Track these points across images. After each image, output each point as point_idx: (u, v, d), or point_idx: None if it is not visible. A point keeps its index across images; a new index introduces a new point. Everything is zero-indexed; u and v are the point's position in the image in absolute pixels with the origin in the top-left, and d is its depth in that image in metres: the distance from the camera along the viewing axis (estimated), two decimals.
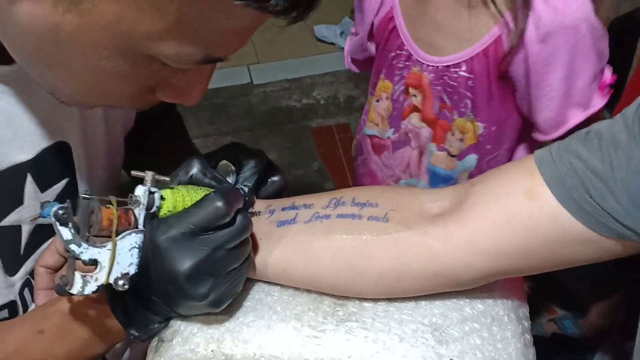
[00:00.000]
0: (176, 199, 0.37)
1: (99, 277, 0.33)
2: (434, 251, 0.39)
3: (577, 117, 0.65)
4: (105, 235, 0.33)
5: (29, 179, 0.45)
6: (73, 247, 0.32)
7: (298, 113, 1.92)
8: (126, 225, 0.34)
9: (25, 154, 0.44)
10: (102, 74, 0.32)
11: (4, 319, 0.47)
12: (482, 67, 0.64)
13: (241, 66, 2.06)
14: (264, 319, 0.41)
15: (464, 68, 0.65)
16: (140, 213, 0.35)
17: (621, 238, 0.35)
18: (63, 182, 0.49)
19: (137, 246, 0.34)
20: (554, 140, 0.68)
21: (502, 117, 0.69)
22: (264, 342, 0.40)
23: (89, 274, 0.33)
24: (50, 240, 0.47)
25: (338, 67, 1.97)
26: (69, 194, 0.49)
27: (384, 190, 0.44)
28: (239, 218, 0.38)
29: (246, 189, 0.44)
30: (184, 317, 0.42)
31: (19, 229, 0.46)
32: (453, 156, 0.73)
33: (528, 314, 0.44)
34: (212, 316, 0.41)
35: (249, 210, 0.44)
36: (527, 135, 0.71)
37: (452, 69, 0.66)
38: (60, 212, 0.32)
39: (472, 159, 0.72)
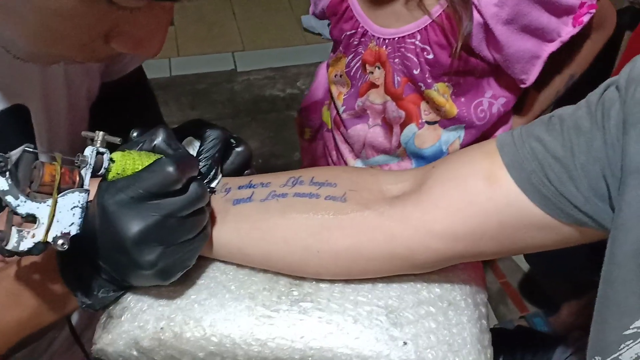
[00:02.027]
0: (126, 162, 0.35)
1: (37, 234, 0.31)
2: (391, 232, 0.38)
3: (550, 47, 0.65)
4: (46, 192, 0.32)
5: None
6: (9, 198, 0.30)
7: (281, 102, 1.90)
8: (70, 183, 0.32)
9: None
10: (45, 13, 0.31)
11: None
12: (438, 37, 0.65)
13: (226, 52, 2.03)
14: (216, 297, 0.40)
15: (418, 38, 0.66)
16: (86, 173, 0.34)
17: (579, 225, 0.35)
18: (21, 149, 0.48)
19: (80, 206, 0.33)
20: (539, 86, 0.68)
21: (467, 72, 0.69)
22: (215, 321, 0.39)
23: (27, 229, 0.31)
24: None
25: (324, 57, 1.95)
26: None
27: (343, 170, 0.44)
28: (192, 186, 0.36)
29: (209, 162, 0.43)
30: (135, 293, 0.41)
31: None
32: (435, 123, 0.72)
33: (486, 300, 0.43)
34: (163, 293, 0.40)
35: (210, 186, 0.43)
36: (502, 76, 0.70)
37: (408, 40, 0.67)
38: None
39: (459, 128, 0.72)
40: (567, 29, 0.65)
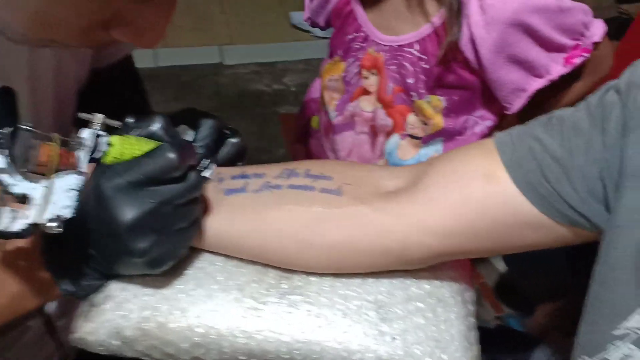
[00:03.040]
0: (124, 146, 0.34)
1: (30, 215, 0.30)
2: (385, 227, 0.38)
3: (538, 83, 0.65)
4: (42, 172, 0.31)
5: None
6: (4, 177, 0.29)
7: (267, 98, 1.89)
8: (67, 165, 0.32)
9: None
10: (50, 0, 0.30)
11: None
12: (435, 48, 0.65)
13: (212, 46, 2.01)
14: (204, 288, 0.39)
15: (416, 47, 0.66)
16: (83, 156, 0.32)
17: (573, 225, 0.35)
18: (5, 131, 0.46)
19: (76, 188, 0.32)
20: (522, 115, 0.68)
21: (462, 86, 0.68)
22: (202, 312, 0.38)
23: (20, 210, 0.30)
24: None
25: (312, 55, 1.96)
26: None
27: (339, 164, 0.43)
28: (191, 174, 0.36)
29: (203, 151, 0.42)
30: (119, 281, 0.39)
31: None
32: (417, 138, 0.72)
33: (475, 298, 0.44)
34: (148, 282, 0.39)
35: (203, 174, 0.42)
36: (494, 99, 0.70)
37: (406, 49, 0.66)
38: None
39: (437, 142, 0.72)
40: (557, 68, 0.64)
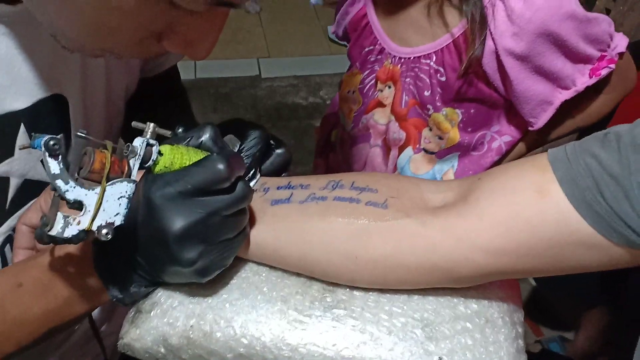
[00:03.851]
0: (174, 155, 0.35)
1: (82, 221, 0.31)
2: (433, 243, 0.37)
3: (564, 95, 0.63)
4: (95, 179, 0.31)
5: (22, 129, 0.43)
6: (59, 182, 0.30)
7: (303, 111, 1.91)
8: (118, 173, 0.32)
9: (20, 102, 0.43)
10: (105, 8, 0.30)
11: None
12: (453, 60, 0.64)
13: (251, 58, 2.05)
14: (248, 298, 0.39)
15: (434, 59, 0.65)
16: (135, 164, 0.33)
17: (630, 246, 0.33)
18: (58, 137, 0.48)
19: (127, 196, 0.32)
20: (542, 130, 0.66)
21: (480, 100, 0.67)
22: (246, 322, 0.38)
23: (72, 216, 0.31)
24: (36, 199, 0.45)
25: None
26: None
27: (385, 176, 0.43)
28: (239, 185, 0.36)
29: (250, 161, 0.43)
30: (166, 289, 0.40)
31: (7, 181, 0.45)
32: (432, 153, 0.71)
33: (523, 319, 0.42)
34: (194, 290, 0.40)
35: (250, 184, 0.42)
36: (513, 114, 0.69)
37: (423, 60, 0.66)
38: (52, 142, 0.30)
39: (453, 157, 0.71)
40: (582, 79, 0.63)
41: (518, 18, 0.57)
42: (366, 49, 0.71)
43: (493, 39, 0.59)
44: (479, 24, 0.60)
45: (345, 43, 0.82)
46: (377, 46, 0.70)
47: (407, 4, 0.66)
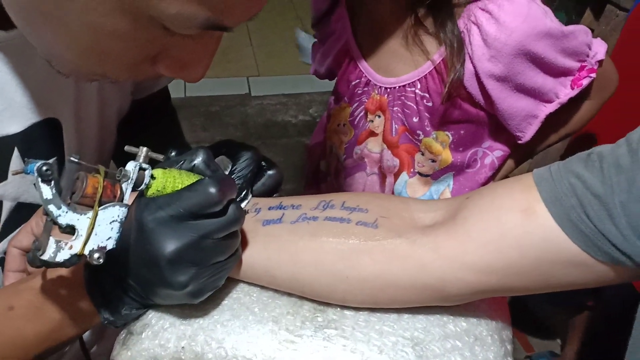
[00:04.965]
0: (167, 179, 0.35)
1: (74, 246, 0.31)
2: (423, 262, 0.38)
3: (548, 108, 0.64)
4: (87, 204, 0.31)
5: (16, 153, 0.44)
6: (52, 207, 0.30)
7: (293, 129, 1.92)
8: (111, 197, 0.32)
9: (14, 126, 0.43)
10: (100, 33, 0.31)
11: None
12: (437, 86, 0.65)
13: (241, 77, 2.06)
14: (240, 319, 0.39)
15: (418, 86, 0.66)
16: (127, 188, 0.33)
17: (615, 263, 0.34)
18: (51, 162, 0.48)
19: (119, 220, 0.33)
20: (531, 142, 0.67)
21: (468, 120, 0.68)
22: (237, 343, 0.38)
23: (64, 240, 0.31)
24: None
25: None
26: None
27: (375, 196, 0.43)
28: (231, 208, 0.36)
29: (241, 182, 0.43)
30: (157, 310, 0.40)
31: (0, 205, 0.45)
32: (427, 176, 0.72)
33: (512, 336, 0.43)
34: (185, 312, 0.40)
35: (240, 206, 0.42)
36: (502, 129, 0.70)
37: (408, 88, 0.67)
38: (44, 168, 0.30)
39: (448, 177, 0.71)
40: (565, 91, 0.64)
41: (494, 42, 0.58)
42: (353, 83, 0.72)
43: (472, 62, 0.61)
44: (457, 50, 0.60)
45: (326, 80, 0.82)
46: (362, 79, 0.70)
47: (386, 35, 0.67)
